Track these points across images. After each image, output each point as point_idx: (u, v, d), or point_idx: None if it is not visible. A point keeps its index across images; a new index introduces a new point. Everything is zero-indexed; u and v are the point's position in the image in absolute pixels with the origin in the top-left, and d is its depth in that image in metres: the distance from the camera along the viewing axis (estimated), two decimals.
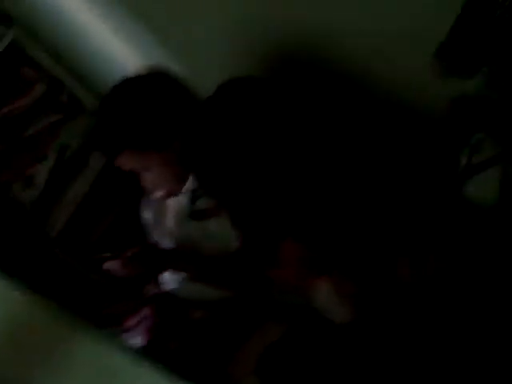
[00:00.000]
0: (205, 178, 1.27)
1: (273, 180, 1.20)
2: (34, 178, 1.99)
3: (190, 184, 1.62)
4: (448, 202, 1.25)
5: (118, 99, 1.58)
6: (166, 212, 1.74)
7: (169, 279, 1.70)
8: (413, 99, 1.44)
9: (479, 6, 1.15)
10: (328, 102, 1.47)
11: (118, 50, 1.79)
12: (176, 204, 1.69)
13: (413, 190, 1.35)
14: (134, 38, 1.73)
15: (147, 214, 1.83)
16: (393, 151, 1.46)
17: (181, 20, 1.60)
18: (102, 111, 1.63)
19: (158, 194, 1.66)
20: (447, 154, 1.18)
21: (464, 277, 1.16)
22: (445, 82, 1.22)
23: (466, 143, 1.13)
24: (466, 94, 1.19)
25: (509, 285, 1.11)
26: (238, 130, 1.21)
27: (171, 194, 1.67)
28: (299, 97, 1.29)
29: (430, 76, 1.19)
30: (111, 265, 1.57)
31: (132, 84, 1.59)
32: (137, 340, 1.56)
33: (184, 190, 1.64)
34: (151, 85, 1.58)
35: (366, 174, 1.29)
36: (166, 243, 1.72)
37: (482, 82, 1.20)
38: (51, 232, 1.99)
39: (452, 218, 1.23)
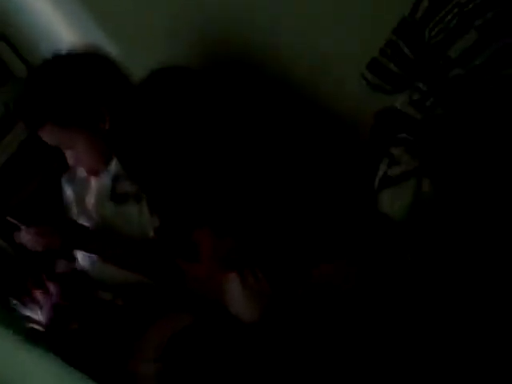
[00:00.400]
0: (127, 162, 1.27)
1: (191, 170, 1.21)
2: None
3: (113, 165, 1.61)
4: (362, 211, 1.29)
5: (47, 72, 1.56)
6: (88, 190, 1.72)
7: (82, 258, 1.68)
8: (340, 107, 1.47)
9: (410, 27, 1.20)
10: (250, 97, 1.49)
11: (57, 25, 1.76)
12: (98, 184, 1.67)
13: (330, 193, 1.39)
14: (73, 15, 1.70)
15: (68, 190, 1.80)
16: (313, 153, 1.49)
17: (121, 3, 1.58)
18: (30, 81, 1.61)
19: (81, 171, 1.64)
20: (367, 164, 1.21)
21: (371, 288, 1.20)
22: (372, 95, 1.26)
23: (384, 155, 1.16)
24: (391, 108, 1.22)
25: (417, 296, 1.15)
26: (162, 118, 1.21)
27: (94, 173, 1.65)
28: (224, 91, 1.30)
29: (360, 87, 1.23)
30: (22, 236, 1.54)
31: (64, 59, 1.57)
32: (38, 316, 1.53)
33: (107, 170, 1.63)
34: (82, 62, 1.57)
35: (283, 171, 1.31)
36: (85, 221, 1.69)
37: (407, 98, 1.23)
38: None
39: (365, 228, 1.27)
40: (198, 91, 1.25)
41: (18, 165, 2.07)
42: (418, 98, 1.22)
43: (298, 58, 1.46)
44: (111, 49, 1.66)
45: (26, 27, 1.89)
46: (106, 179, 1.63)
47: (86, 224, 1.66)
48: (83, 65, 1.55)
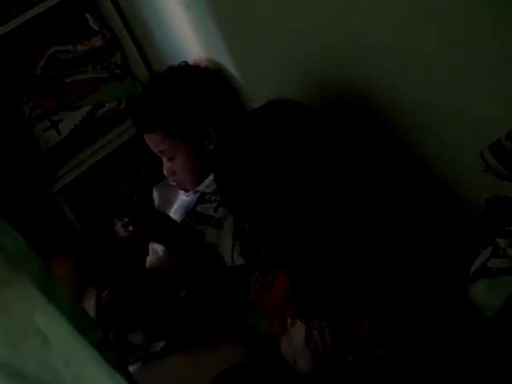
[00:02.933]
0: (223, 186, 1.25)
1: (286, 212, 1.17)
2: (60, 124, 1.98)
3: (204, 185, 1.62)
4: (447, 293, 1.23)
5: (168, 79, 1.61)
6: (174, 201, 1.74)
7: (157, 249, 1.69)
8: (452, 182, 1.41)
9: None
10: (363, 153, 1.45)
11: (187, 38, 1.79)
12: (184, 198, 1.69)
13: (418, 267, 1.33)
14: (205, 31, 1.72)
15: (155, 194, 1.84)
16: (414, 224, 1.44)
17: (251, 27, 1.59)
18: (150, 85, 1.67)
19: (172, 182, 1.66)
20: (469, 247, 1.15)
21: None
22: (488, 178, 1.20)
23: (489, 244, 1.10)
24: (505, 196, 1.16)
25: None
26: (267, 153, 1.18)
27: (184, 187, 1.66)
28: (337, 137, 1.26)
29: (478, 168, 1.17)
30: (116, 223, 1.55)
31: (186, 71, 1.61)
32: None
33: (197, 188, 1.63)
34: (203, 77, 1.60)
35: (378, 238, 1.25)
36: None
37: None
38: (53, 185, 1.99)
39: (448, 310, 1.21)
40: (311, 130, 1.22)
41: (119, 159, 2.13)
42: None
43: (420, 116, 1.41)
44: (234, 72, 1.67)
45: (156, 32, 1.94)
46: (192, 196, 1.65)
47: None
48: (204, 80, 1.58)
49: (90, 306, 1.48)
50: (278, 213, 1.17)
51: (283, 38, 1.50)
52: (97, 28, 2.04)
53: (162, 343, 1.43)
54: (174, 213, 1.72)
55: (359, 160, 1.31)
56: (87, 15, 2.05)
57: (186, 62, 1.66)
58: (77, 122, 1.99)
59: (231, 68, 1.66)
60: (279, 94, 1.26)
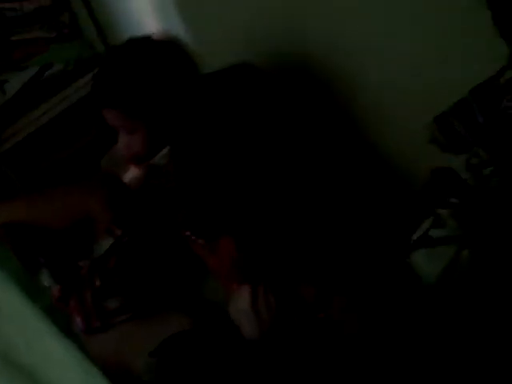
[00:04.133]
0: (176, 153, 1.27)
1: (230, 176, 1.21)
2: (5, 85, 1.93)
3: (158, 158, 1.60)
4: (388, 262, 1.27)
5: (131, 55, 1.54)
6: (123, 168, 1.72)
7: None
8: (397, 154, 1.45)
9: (489, 92, 1.17)
10: (308, 114, 1.48)
11: (141, 8, 1.76)
12: (135, 170, 1.68)
13: (359, 234, 1.38)
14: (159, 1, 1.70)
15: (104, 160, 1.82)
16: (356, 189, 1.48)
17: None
18: (111, 59, 1.59)
19: (125, 155, 1.63)
20: (410, 217, 1.19)
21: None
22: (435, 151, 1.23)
23: (430, 214, 1.14)
24: (448, 168, 1.20)
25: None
26: (220, 118, 1.21)
27: (136, 161, 1.64)
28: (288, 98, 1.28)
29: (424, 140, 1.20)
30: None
31: (149, 45, 1.56)
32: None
33: (151, 162, 1.62)
34: (167, 54, 1.55)
35: (319, 196, 1.30)
36: None
37: (464, 162, 1.21)
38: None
39: (385, 277, 1.25)
40: (260, 93, 1.25)
41: (69, 121, 2.08)
42: (476, 164, 1.19)
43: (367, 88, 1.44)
44: (189, 39, 1.65)
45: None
46: (144, 170, 1.63)
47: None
48: (167, 56, 1.55)
49: (104, 243, 1.47)
50: (224, 177, 1.21)
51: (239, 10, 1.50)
52: None
53: (126, 315, 1.45)
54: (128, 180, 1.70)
55: (303, 126, 1.35)
56: None
57: (140, 36, 1.62)
58: (23, 83, 1.95)
59: (188, 40, 1.65)
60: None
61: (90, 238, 1.53)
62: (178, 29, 1.70)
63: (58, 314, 0.81)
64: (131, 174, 1.68)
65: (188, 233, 1.35)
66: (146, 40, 1.58)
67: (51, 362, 0.73)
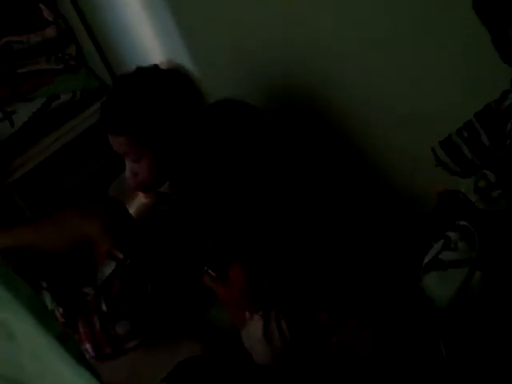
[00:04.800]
0: (179, 185, 1.28)
1: (235, 204, 1.21)
2: (13, 116, 1.95)
3: (166, 186, 1.61)
4: (400, 286, 1.26)
5: (139, 83, 1.56)
6: (131, 199, 1.73)
7: None
8: (404, 180, 1.46)
9: (493, 115, 1.18)
10: (307, 146, 1.49)
11: (146, 39, 1.78)
12: (143, 200, 1.68)
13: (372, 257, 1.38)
14: (164, 32, 1.72)
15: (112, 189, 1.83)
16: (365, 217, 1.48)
17: (210, 28, 1.60)
18: (120, 87, 1.60)
19: (132, 183, 1.64)
20: (421, 241, 1.19)
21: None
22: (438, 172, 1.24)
23: (441, 237, 1.14)
24: (456, 191, 1.20)
25: None
26: (216, 152, 1.24)
27: (143, 190, 1.65)
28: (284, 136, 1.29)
29: (430, 164, 1.21)
30: None
31: (157, 74, 1.58)
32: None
33: (157, 192, 1.63)
34: (174, 82, 1.57)
35: (330, 225, 1.30)
36: None
37: (472, 184, 1.21)
38: (7, 176, 1.96)
39: (398, 301, 1.25)
40: (256, 129, 1.27)
41: (78, 150, 2.10)
42: (484, 187, 1.19)
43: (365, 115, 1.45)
44: (194, 68, 1.67)
45: (113, 25, 1.92)
46: (153, 198, 1.64)
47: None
48: (175, 85, 1.56)
49: (107, 268, 1.47)
50: (229, 206, 1.22)
51: (243, 40, 1.52)
52: (51, 18, 2.02)
53: (136, 341, 1.44)
54: (133, 211, 1.71)
55: (302, 158, 1.36)
56: (41, 5, 2.03)
57: (155, 65, 1.64)
58: (31, 114, 1.97)
59: (192, 69, 1.67)
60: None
61: (91, 262, 1.53)
62: (183, 58, 1.72)
63: (70, 342, 0.81)
64: (139, 201, 1.69)
65: (203, 266, 1.36)
66: (154, 68, 1.61)
67: None
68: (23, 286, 0.79)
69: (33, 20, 2.01)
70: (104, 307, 1.46)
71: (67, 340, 0.80)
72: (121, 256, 1.49)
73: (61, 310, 1.47)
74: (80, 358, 0.79)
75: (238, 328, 1.35)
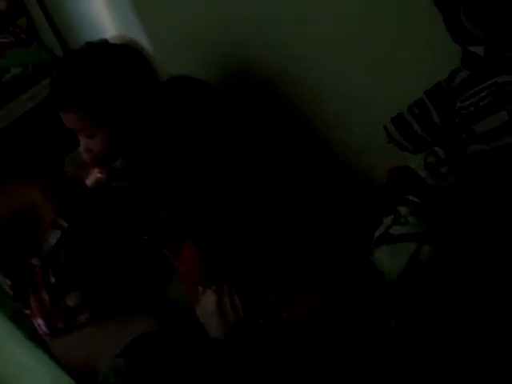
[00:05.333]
0: (131, 161, 1.28)
1: (188, 180, 1.22)
2: None
3: (120, 162, 1.60)
4: (354, 258, 1.29)
5: (90, 59, 1.54)
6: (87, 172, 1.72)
7: None
8: (359, 155, 1.48)
9: (443, 93, 1.20)
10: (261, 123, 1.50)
11: (99, 11, 1.75)
12: (98, 175, 1.67)
13: (326, 230, 1.40)
14: (117, 5, 1.70)
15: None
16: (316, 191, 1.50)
17: (164, 5, 1.59)
18: (70, 63, 1.58)
19: (87, 158, 1.63)
20: (371, 216, 1.22)
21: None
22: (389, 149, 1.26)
23: (391, 212, 1.17)
24: (406, 167, 1.23)
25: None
26: (169, 125, 1.24)
27: (97, 164, 1.64)
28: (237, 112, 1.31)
29: (381, 140, 1.23)
30: None
31: (107, 49, 1.56)
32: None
33: (111, 167, 1.62)
34: (125, 57, 1.55)
35: (280, 200, 1.32)
36: None
37: (422, 160, 1.24)
38: None
39: (353, 275, 1.28)
40: (209, 106, 1.27)
41: (29, 125, 2.06)
42: (434, 163, 1.22)
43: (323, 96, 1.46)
44: (147, 43, 1.65)
45: (66, 1, 1.89)
46: (106, 173, 1.63)
47: None
48: (126, 60, 1.54)
49: (52, 237, 1.45)
50: (180, 183, 1.22)
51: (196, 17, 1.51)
52: None
53: (87, 314, 1.43)
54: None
55: (255, 133, 1.37)
56: None
57: (98, 40, 1.61)
58: None
59: (146, 45, 1.65)
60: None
61: (35, 232, 1.51)
62: (136, 32, 1.70)
63: (24, 323, 0.80)
64: (95, 175, 1.68)
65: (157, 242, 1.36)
66: (104, 44, 1.58)
67: (23, 371, 0.73)
68: None
69: None
70: (52, 279, 1.45)
71: (21, 321, 0.79)
72: (65, 224, 1.47)
73: (9, 282, 1.46)
74: (35, 339, 0.79)
75: (193, 303, 1.37)
